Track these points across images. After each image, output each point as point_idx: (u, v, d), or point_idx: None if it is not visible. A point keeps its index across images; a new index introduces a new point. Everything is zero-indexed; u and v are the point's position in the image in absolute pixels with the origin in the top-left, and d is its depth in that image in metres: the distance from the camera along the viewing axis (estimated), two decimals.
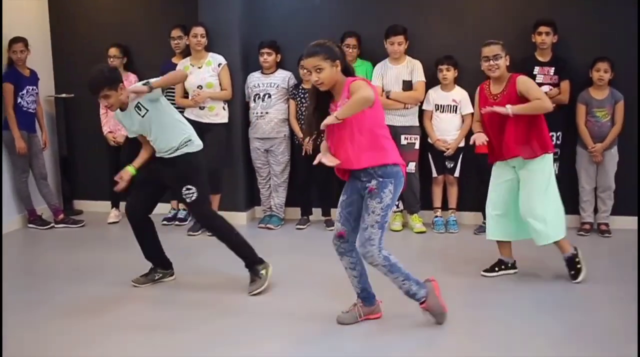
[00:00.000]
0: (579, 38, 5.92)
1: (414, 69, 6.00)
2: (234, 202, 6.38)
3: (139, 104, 4.36)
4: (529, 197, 4.48)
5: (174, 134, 4.45)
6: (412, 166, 6.04)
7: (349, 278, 3.89)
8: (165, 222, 6.37)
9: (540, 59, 5.82)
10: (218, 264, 5.09)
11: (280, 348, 3.65)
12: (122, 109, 4.41)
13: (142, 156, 4.58)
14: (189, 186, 4.44)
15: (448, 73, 5.91)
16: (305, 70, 6.00)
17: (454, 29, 6.14)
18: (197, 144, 4.54)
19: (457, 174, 6.08)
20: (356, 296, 3.93)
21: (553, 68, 5.81)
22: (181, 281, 4.76)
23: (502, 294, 4.41)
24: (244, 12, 6.32)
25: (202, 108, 5.99)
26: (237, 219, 6.34)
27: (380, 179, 3.59)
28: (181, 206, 6.51)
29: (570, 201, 5.94)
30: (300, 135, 6.06)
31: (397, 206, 6.18)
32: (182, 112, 6.01)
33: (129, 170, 4.47)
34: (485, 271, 4.76)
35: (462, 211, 6.21)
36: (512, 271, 4.77)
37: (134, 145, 6.45)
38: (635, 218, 5.96)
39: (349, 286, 3.96)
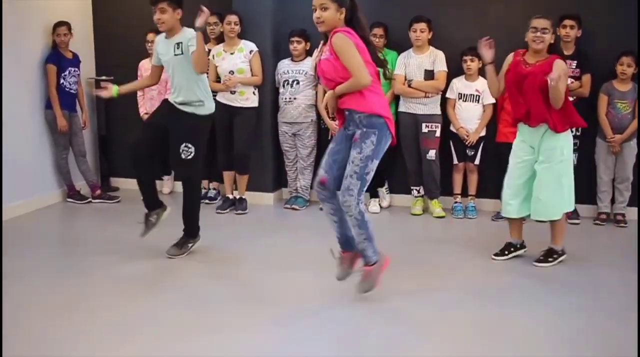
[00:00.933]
0: (604, 32, 6.02)
1: (436, 59, 6.17)
2: (262, 183, 6.65)
3: (179, 43, 4.65)
4: (544, 175, 4.63)
5: (192, 91, 4.72)
6: (432, 154, 6.22)
7: (329, 223, 4.07)
8: None
9: (564, 52, 5.93)
10: (242, 239, 5.34)
11: (281, 316, 3.85)
12: (167, 37, 4.73)
13: (135, 84, 5.10)
14: (189, 144, 4.69)
15: (472, 64, 6.07)
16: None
17: (478, 20, 6.28)
18: (207, 107, 4.81)
19: (477, 161, 6.24)
20: (339, 247, 4.09)
21: (575, 61, 5.92)
22: (205, 254, 5.00)
23: (514, 277, 4.59)
24: (276, 1, 6.56)
25: (233, 92, 6.24)
26: (265, 200, 6.65)
27: (364, 129, 3.75)
28: (211, 185, 6.80)
29: (588, 191, 6.11)
30: (328, 120, 6.29)
31: (418, 191, 6.40)
32: (214, 96, 6.32)
33: (114, 89, 4.85)
34: (496, 255, 4.93)
35: (481, 198, 6.37)
36: (521, 251, 4.94)
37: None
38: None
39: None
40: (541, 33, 4.56)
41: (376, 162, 3.80)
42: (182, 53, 4.66)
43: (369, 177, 3.80)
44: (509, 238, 4.97)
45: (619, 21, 6.02)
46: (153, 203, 4.98)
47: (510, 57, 4.79)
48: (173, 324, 3.71)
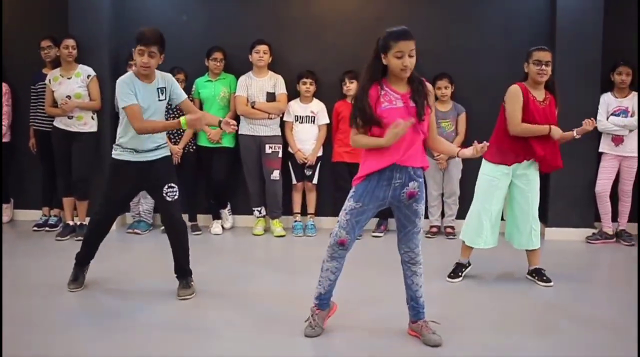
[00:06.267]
0: (426, 56, 6.35)
1: (277, 83, 6.37)
2: None
3: (162, 88, 4.44)
4: (533, 203, 4.77)
5: (162, 134, 4.57)
6: (276, 174, 6.38)
7: (323, 279, 3.80)
8: (36, 228, 6.54)
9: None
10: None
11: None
12: (144, 81, 4.39)
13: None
14: (172, 184, 4.51)
15: (311, 87, 6.31)
16: (178, 83, 6.23)
17: (312, 47, 6.55)
18: (168, 149, 4.68)
19: (315, 181, 6.46)
20: (313, 303, 3.86)
21: None
22: (46, 279, 4.88)
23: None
24: (113, 25, 6.55)
25: (70, 117, 6.15)
26: None
27: (420, 180, 3.58)
28: (52, 212, 6.66)
29: None
30: (170, 145, 6.31)
31: (260, 212, 6.53)
32: (51, 121, 6.26)
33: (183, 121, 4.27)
34: (450, 277, 4.91)
35: (320, 216, 6.60)
36: (469, 269, 4.98)
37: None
38: None
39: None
40: (546, 66, 4.56)
41: None
42: (165, 99, 4.47)
43: None
44: (458, 259, 5.01)
45: (439, 45, 6.47)
46: (89, 258, 4.77)
47: (518, 95, 4.64)
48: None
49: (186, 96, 4.63)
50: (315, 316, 3.83)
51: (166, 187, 4.49)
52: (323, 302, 3.85)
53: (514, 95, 4.64)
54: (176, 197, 4.53)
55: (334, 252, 3.72)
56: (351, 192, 3.63)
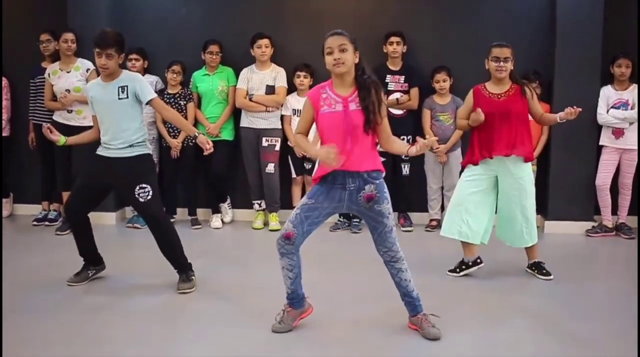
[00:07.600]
0: (424, 49, 6.44)
1: (277, 76, 6.37)
2: (103, 202, 6.51)
3: (123, 87, 4.38)
4: (520, 202, 4.70)
5: (134, 129, 4.44)
6: (271, 167, 6.38)
7: (283, 278, 3.81)
8: (35, 223, 6.53)
9: (391, 67, 6.28)
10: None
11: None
12: (104, 80, 4.42)
13: (83, 137, 4.67)
14: (143, 185, 4.43)
15: (305, 80, 6.28)
16: (174, 74, 6.25)
17: (310, 39, 6.45)
18: (149, 148, 4.61)
19: (314, 174, 6.41)
20: (286, 301, 3.86)
21: (403, 76, 6.27)
22: (46, 278, 4.85)
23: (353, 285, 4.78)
24: (111, 19, 6.51)
25: (70, 111, 6.15)
26: (107, 219, 6.55)
27: (377, 182, 3.59)
28: (52, 207, 6.65)
29: (420, 200, 6.45)
30: (169, 138, 6.34)
31: (260, 205, 6.53)
32: (51, 115, 6.25)
33: (61, 139, 4.53)
34: (451, 271, 4.92)
35: None
36: (474, 268, 4.87)
37: None
38: None
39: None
40: (504, 62, 4.59)
41: None
42: (127, 97, 4.39)
43: None
44: (463, 256, 4.95)
45: (437, 38, 6.47)
46: (92, 258, 4.76)
47: (471, 95, 4.78)
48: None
49: (154, 96, 4.46)
50: (286, 313, 3.84)
51: (137, 188, 4.43)
52: (293, 301, 3.84)
53: (466, 98, 4.88)
54: (149, 197, 4.44)
55: (281, 248, 3.71)
56: (308, 191, 3.72)
